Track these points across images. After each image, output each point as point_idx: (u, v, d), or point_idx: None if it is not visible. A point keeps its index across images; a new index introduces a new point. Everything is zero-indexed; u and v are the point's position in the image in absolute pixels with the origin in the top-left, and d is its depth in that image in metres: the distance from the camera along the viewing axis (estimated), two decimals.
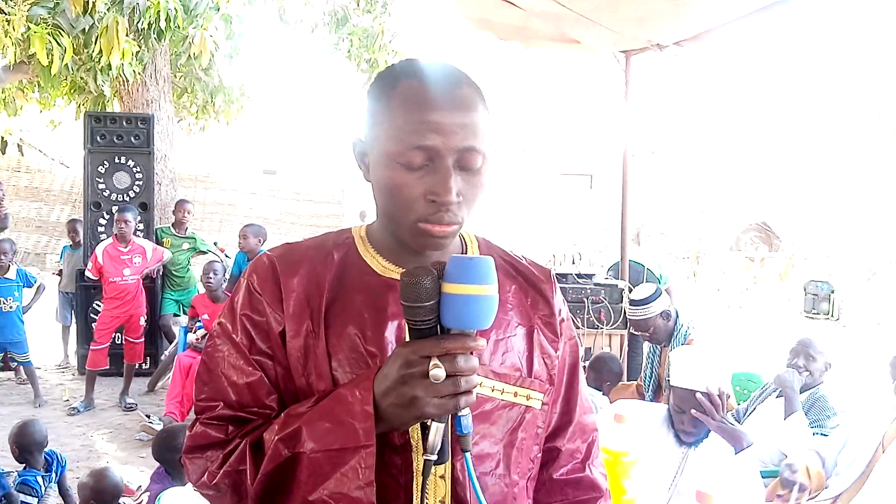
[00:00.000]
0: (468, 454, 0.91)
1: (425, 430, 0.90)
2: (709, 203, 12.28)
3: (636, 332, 3.96)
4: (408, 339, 0.90)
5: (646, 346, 4.12)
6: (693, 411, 2.22)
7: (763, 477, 2.38)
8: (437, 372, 0.84)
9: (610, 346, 4.74)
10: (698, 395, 2.22)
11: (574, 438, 1.15)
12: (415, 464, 0.98)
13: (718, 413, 2.21)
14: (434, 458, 0.89)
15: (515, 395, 1.06)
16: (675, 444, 2.31)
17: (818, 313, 9.96)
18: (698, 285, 11.53)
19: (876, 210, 13.17)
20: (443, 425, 0.88)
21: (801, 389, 3.05)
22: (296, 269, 1.03)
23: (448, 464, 0.99)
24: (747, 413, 3.27)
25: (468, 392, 0.87)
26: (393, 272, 1.04)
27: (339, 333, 1.00)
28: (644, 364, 3.98)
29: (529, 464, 1.10)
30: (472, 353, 0.88)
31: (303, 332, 1.00)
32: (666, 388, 3.64)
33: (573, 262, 4.95)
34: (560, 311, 1.14)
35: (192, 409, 1.06)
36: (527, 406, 1.07)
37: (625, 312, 4.43)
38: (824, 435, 2.84)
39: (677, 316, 3.75)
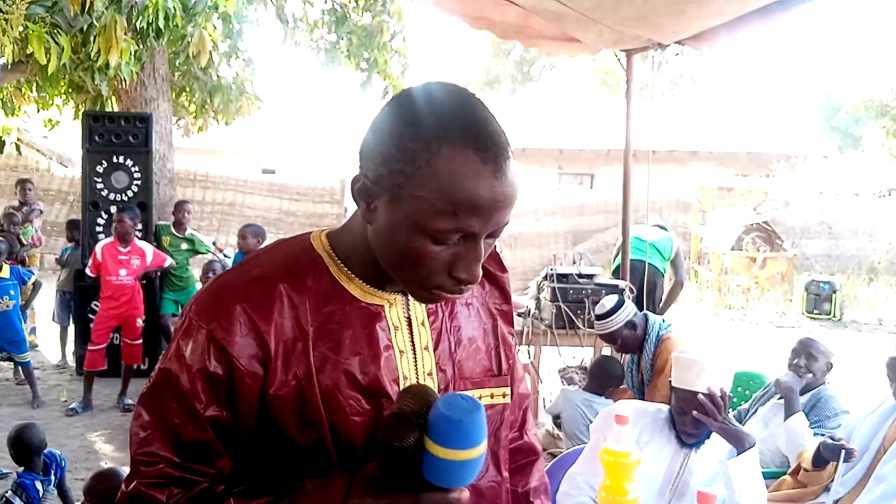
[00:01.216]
0: None
1: None
2: (710, 202, 12.27)
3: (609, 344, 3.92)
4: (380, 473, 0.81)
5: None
6: (695, 412, 2.21)
7: (765, 478, 2.36)
8: None
9: None
10: (700, 396, 2.21)
11: (514, 409, 1.16)
12: None
13: (720, 414, 2.20)
14: None
15: (492, 396, 1.06)
16: (676, 445, 2.29)
17: (820, 313, 9.95)
18: (699, 285, 11.52)
19: (877, 210, 13.17)
20: None
21: (802, 390, 3.04)
22: (269, 310, 0.90)
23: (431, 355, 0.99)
24: (749, 414, 3.25)
25: None
26: (377, 298, 0.97)
27: (330, 377, 0.91)
28: (627, 371, 3.93)
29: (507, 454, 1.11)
30: None
31: (289, 380, 0.90)
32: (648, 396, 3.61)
33: (573, 262, 4.93)
34: (509, 295, 1.13)
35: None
36: (504, 404, 1.07)
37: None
38: (824, 436, 2.83)
39: (645, 322, 3.65)
